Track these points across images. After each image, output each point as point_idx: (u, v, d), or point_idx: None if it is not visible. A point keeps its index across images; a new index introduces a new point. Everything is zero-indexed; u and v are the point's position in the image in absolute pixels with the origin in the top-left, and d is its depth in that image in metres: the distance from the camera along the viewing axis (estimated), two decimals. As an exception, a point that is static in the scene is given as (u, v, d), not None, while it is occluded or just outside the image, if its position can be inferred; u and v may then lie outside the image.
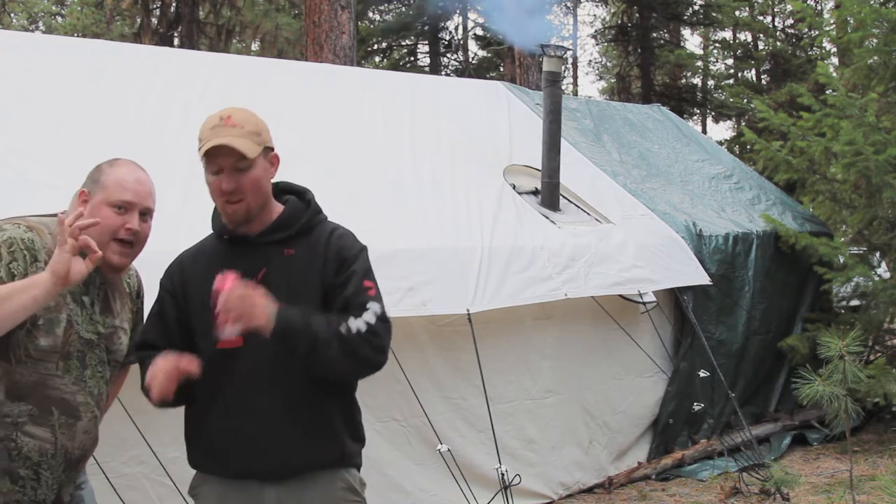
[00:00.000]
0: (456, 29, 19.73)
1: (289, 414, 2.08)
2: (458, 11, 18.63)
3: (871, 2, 7.48)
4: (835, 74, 8.11)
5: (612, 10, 19.94)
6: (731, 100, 17.69)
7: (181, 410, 2.23)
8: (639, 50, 17.42)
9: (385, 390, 4.22)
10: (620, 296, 5.46)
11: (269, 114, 2.38)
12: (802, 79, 14.84)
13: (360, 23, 16.96)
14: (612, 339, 5.51)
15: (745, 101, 16.40)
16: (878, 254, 7.21)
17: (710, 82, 20.41)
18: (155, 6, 14.60)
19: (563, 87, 15.34)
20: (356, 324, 2.04)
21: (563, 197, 5.79)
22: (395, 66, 18.16)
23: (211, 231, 2.30)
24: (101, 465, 3.17)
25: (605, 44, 21.90)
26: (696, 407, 5.85)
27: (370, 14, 19.52)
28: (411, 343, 4.45)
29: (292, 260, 2.13)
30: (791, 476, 4.87)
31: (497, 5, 9.88)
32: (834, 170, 7.17)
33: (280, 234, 2.16)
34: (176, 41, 14.41)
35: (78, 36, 17.41)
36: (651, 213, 6.08)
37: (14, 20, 21.74)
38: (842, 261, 6.71)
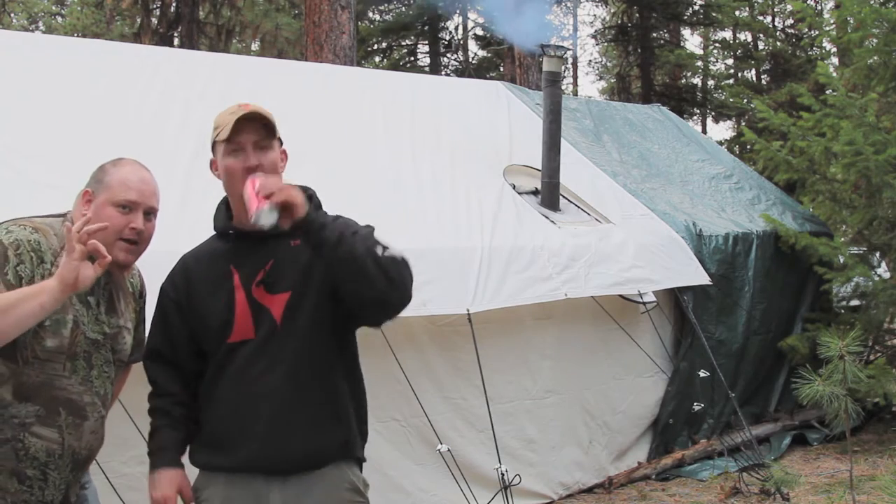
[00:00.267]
0: (456, 29, 19.75)
1: (297, 400, 2.10)
2: (458, 11, 18.64)
3: (871, 2, 7.48)
4: (835, 74, 8.11)
5: (612, 10, 19.94)
6: (731, 100, 17.70)
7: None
8: (639, 50, 17.42)
9: (385, 390, 4.23)
10: (620, 296, 5.46)
11: (270, 114, 2.38)
12: (802, 79, 14.84)
13: (360, 23, 16.97)
14: (612, 339, 5.51)
15: (745, 101, 16.41)
16: (878, 254, 7.21)
17: (710, 82, 20.42)
18: (155, 6, 14.60)
19: (563, 87, 15.33)
20: (388, 249, 2.03)
21: (563, 197, 5.79)
22: (395, 66, 18.16)
23: (211, 232, 2.30)
24: (101, 465, 3.17)
25: (605, 44, 21.90)
26: (696, 407, 5.85)
27: (370, 14, 19.53)
28: (411, 343, 4.45)
29: (299, 249, 2.15)
30: (791, 476, 4.87)
31: (497, 5, 9.88)
32: (834, 170, 7.17)
33: None
34: (176, 41, 14.41)
35: (78, 36, 17.41)
36: (651, 213, 6.09)
37: (14, 20, 21.74)
38: (842, 261, 6.71)
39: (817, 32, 10.95)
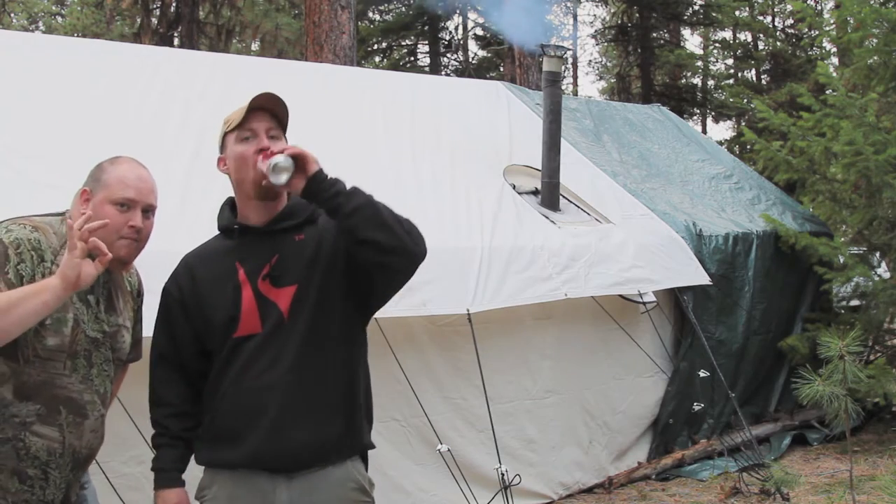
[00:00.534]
0: (456, 29, 19.75)
1: (304, 393, 2.09)
2: (458, 11, 18.64)
3: (871, 2, 7.48)
4: (835, 74, 8.11)
5: (612, 10, 19.95)
6: (731, 100, 17.70)
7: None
8: (639, 50, 17.43)
9: (385, 390, 4.22)
10: (620, 296, 5.46)
11: (270, 114, 2.38)
12: (802, 79, 14.84)
13: (360, 23, 16.97)
14: (612, 339, 5.51)
15: (745, 101, 16.41)
16: (878, 254, 7.21)
17: (710, 82, 20.41)
18: (155, 6, 14.60)
19: (563, 87, 15.34)
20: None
21: (563, 197, 5.79)
22: (395, 66, 18.16)
23: (212, 232, 2.30)
24: (101, 465, 3.17)
25: (605, 44, 21.91)
26: (696, 407, 5.85)
27: (370, 14, 19.53)
28: (411, 343, 4.45)
29: (304, 243, 2.17)
30: (791, 476, 4.87)
31: (497, 5, 9.89)
32: (834, 170, 7.17)
33: (289, 222, 2.20)
34: (176, 41, 14.41)
35: (78, 36, 17.41)
36: (651, 213, 6.09)
37: (14, 20, 21.74)
38: (842, 261, 6.71)
39: (817, 32, 10.95)
